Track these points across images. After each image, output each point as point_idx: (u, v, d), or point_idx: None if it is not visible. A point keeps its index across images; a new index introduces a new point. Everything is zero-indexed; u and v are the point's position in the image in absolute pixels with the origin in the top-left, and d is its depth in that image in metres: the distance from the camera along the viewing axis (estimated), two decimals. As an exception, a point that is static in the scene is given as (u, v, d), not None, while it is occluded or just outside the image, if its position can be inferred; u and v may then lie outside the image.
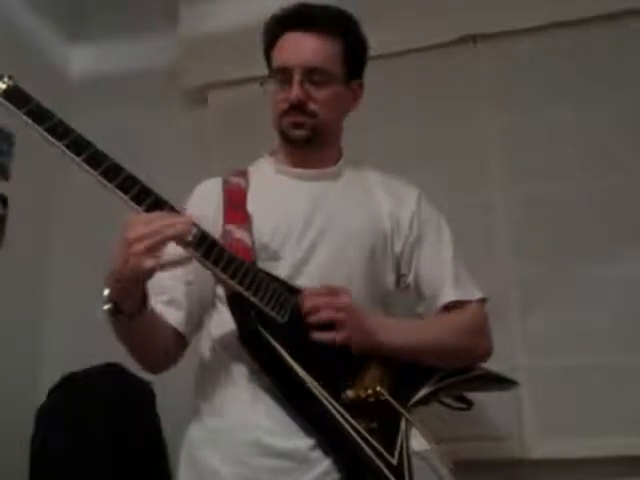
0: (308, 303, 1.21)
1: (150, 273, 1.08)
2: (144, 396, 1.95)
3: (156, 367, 1.33)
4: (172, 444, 1.89)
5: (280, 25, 1.39)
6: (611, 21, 2.06)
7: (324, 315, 1.21)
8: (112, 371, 1.90)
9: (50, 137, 1.11)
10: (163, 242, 1.06)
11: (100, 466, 1.76)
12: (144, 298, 1.15)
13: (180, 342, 1.32)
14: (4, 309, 2.17)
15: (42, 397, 1.93)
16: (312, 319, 1.21)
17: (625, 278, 1.91)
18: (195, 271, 1.26)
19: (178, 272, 1.25)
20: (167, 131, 2.42)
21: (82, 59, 2.67)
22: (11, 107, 1.12)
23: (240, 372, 1.25)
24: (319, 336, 1.20)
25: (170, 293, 1.29)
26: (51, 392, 1.92)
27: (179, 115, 2.45)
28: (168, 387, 1.85)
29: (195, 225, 1.13)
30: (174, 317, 1.29)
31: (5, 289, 2.18)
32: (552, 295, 1.95)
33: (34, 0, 2.49)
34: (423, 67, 2.19)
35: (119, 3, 2.64)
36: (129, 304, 1.12)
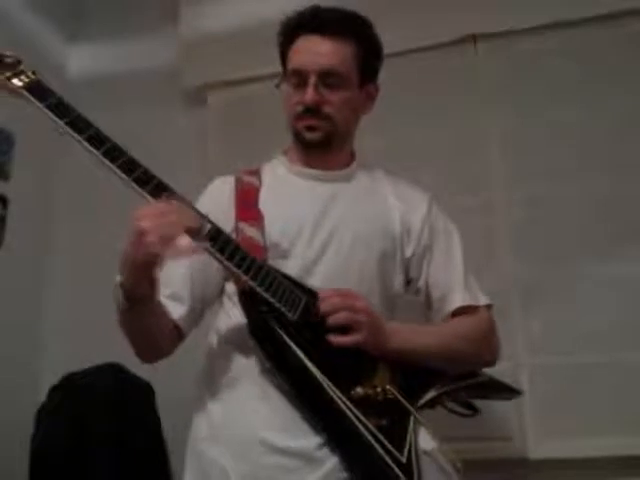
0: (326, 305, 1.21)
1: (161, 261, 1.10)
2: (144, 395, 1.95)
3: (150, 357, 1.33)
4: (172, 443, 1.89)
5: (295, 28, 1.39)
6: (611, 21, 2.06)
7: (343, 317, 1.21)
8: (112, 371, 1.90)
9: (71, 131, 1.13)
10: (177, 233, 1.07)
11: (100, 466, 1.75)
12: (154, 288, 1.17)
13: (177, 336, 1.32)
14: (4, 309, 2.17)
15: (42, 397, 1.92)
16: (331, 320, 1.20)
17: (625, 278, 1.91)
18: (199, 268, 1.27)
19: (182, 268, 1.27)
20: (167, 131, 2.42)
21: (81, 59, 2.67)
22: (33, 100, 1.15)
23: (249, 369, 1.25)
24: (337, 340, 1.20)
25: (173, 287, 1.29)
26: (51, 392, 1.92)
27: (179, 115, 2.45)
28: (168, 386, 1.85)
29: (210, 221, 1.14)
30: (176, 312, 1.29)
31: (5, 289, 2.17)
32: (553, 295, 1.95)
33: (33, 0, 2.49)
34: (423, 67, 2.19)
35: (119, 3, 2.64)
36: (138, 291, 1.14)
